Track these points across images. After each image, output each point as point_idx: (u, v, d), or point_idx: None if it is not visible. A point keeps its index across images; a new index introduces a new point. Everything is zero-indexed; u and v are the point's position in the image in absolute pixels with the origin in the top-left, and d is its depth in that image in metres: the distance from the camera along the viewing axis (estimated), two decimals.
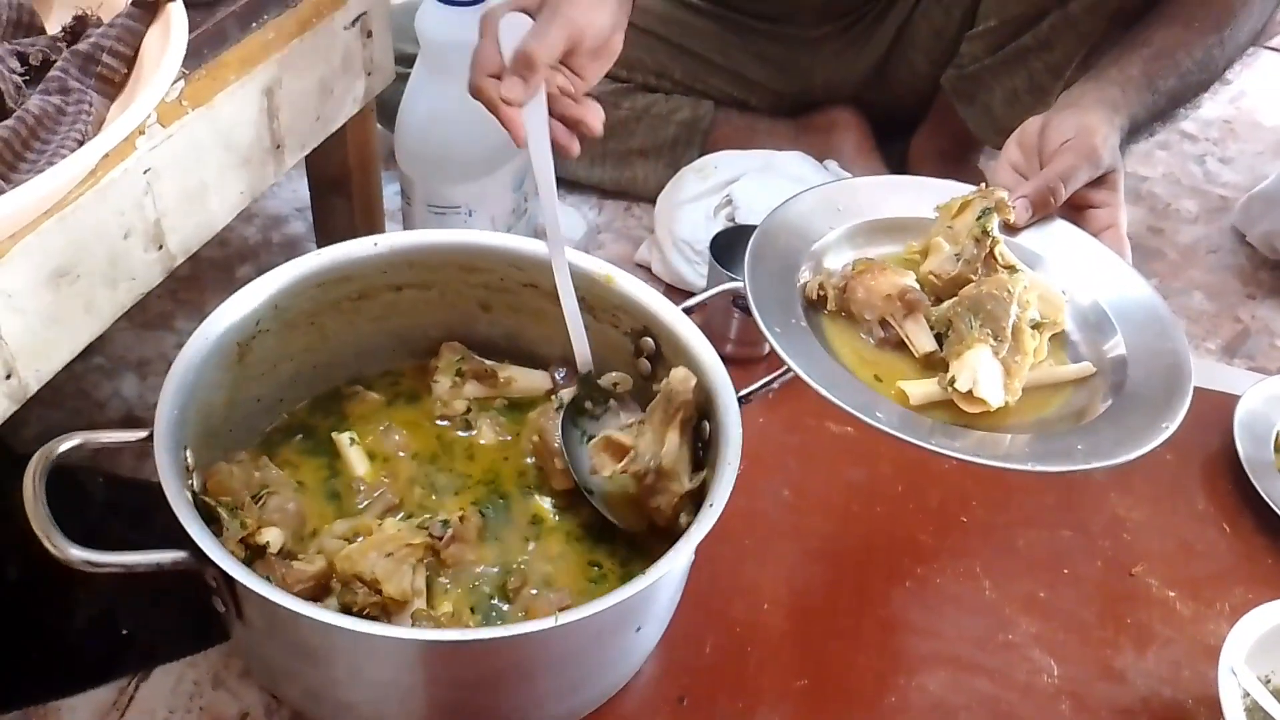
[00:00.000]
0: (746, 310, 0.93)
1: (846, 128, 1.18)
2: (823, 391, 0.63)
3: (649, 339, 0.75)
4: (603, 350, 0.77)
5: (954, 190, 0.79)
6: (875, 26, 1.15)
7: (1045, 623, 0.78)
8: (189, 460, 0.65)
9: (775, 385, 0.70)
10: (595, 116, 0.75)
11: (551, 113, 0.73)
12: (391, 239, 0.77)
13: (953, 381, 0.66)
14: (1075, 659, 0.76)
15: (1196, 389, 0.67)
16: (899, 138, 1.22)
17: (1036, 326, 0.70)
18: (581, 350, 0.75)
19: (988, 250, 0.72)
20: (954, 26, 1.10)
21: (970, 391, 0.65)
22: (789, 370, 0.66)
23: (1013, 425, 0.67)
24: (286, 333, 0.74)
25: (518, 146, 0.72)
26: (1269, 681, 0.72)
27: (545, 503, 0.74)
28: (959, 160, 1.17)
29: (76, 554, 0.55)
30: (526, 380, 0.81)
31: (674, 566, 0.60)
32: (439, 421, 0.79)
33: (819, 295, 0.73)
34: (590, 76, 0.76)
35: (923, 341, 0.70)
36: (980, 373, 0.66)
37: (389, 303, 0.79)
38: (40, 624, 0.73)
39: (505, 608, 0.68)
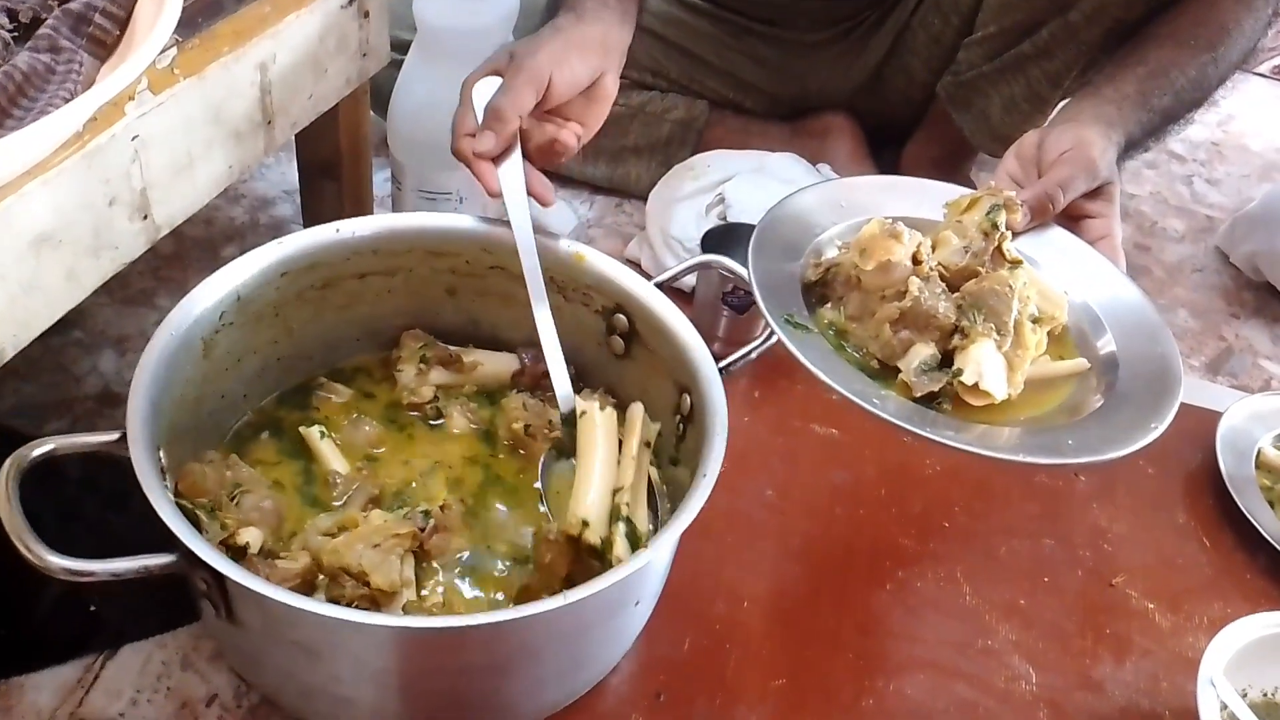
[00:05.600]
0: (735, 307, 0.93)
1: (840, 133, 1.18)
2: (828, 380, 0.63)
3: (622, 316, 0.75)
4: (574, 332, 0.76)
5: (955, 192, 0.80)
6: (872, 33, 1.16)
7: (1025, 630, 0.78)
8: (163, 461, 0.62)
9: (754, 355, 0.70)
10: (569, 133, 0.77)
11: (529, 155, 0.75)
12: (355, 224, 0.75)
13: (958, 374, 0.66)
14: (1054, 667, 0.76)
15: (1180, 405, 0.68)
16: (892, 145, 1.22)
17: (1036, 321, 0.71)
18: (564, 390, 0.73)
19: (995, 245, 0.73)
20: (952, 33, 1.10)
21: (975, 385, 0.66)
22: (771, 335, 0.67)
23: (1010, 420, 0.67)
24: (252, 325, 0.72)
25: (490, 196, 0.73)
26: (1246, 694, 0.72)
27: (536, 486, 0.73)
28: (951, 169, 1.17)
29: (57, 562, 0.51)
30: (493, 364, 0.80)
31: (660, 556, 0.59)
32: (409, 412, 0.78)
33: (819, 278, 0.73)
34: (591, 122, 0.79)
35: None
36: (985, 366, 0.66)
37: (353, 291, 0.77)
38: (4, 598, 0.71)
39: (480, 594, 0.67)
